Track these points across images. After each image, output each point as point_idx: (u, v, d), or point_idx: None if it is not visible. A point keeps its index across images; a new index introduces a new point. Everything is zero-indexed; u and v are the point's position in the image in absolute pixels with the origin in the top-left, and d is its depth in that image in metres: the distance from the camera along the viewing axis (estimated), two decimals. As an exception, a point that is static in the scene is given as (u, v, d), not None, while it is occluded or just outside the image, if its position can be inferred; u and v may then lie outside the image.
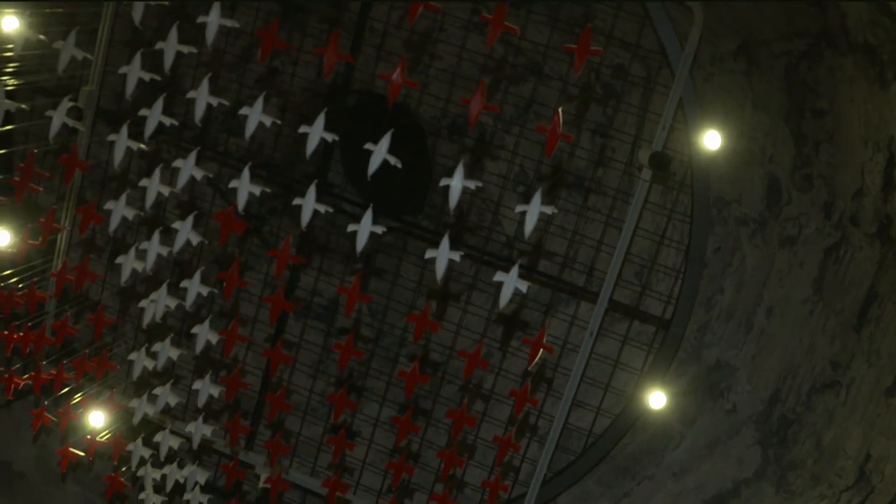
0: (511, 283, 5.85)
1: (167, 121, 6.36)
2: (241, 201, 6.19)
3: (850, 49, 6.88)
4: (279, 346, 6.79)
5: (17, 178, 6.84)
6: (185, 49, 6.24)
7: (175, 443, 7.17)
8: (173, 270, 8.46)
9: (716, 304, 7.82)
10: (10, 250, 7.24)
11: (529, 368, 6.47)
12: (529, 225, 5.71)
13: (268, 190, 6.25)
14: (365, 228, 5.94)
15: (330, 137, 5.96)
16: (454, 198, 5.72)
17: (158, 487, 7.35)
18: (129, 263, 6.74)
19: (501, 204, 8.56)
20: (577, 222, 8.37)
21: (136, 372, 6.99)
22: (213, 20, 6.13)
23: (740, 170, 7.66)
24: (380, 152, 5.73)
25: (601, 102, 8.37)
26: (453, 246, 5.96)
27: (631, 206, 7.25)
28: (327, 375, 8.84)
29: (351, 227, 5.96)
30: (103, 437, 7.32)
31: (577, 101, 8.34)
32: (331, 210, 6.12)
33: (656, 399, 7.45)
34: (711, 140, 7.24)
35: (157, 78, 6.41)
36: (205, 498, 7.31)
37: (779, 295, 7.57)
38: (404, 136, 9.21)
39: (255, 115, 6.09)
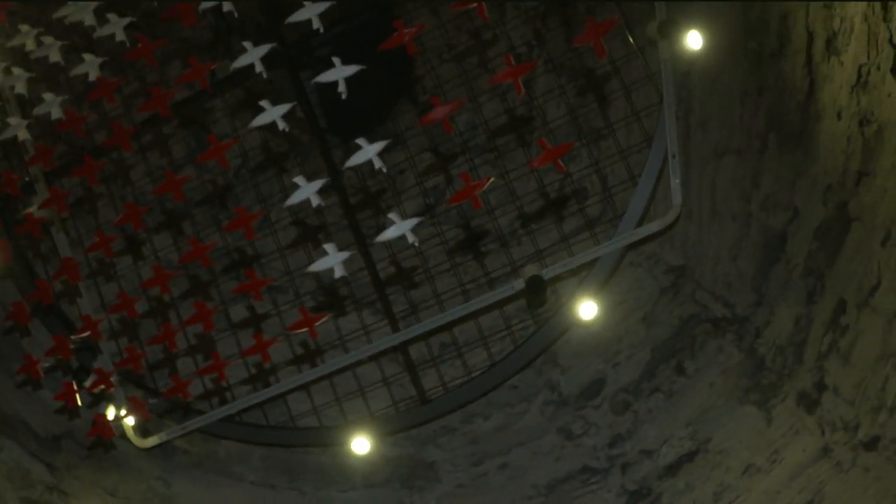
0: (331, 260, 5.56)
1: None
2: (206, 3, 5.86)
3: (748, 350, 6.75)
4: (129, 132, 6.39)
5: None
6: None
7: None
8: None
9: (475, 423, 7.56)
10: None
11: (287, 330, 6.23)
12: (385, 236, 5.43)
13: (235, 14, 5.89)
14: (271, 114, 5.60)
15: (317, 25, 5.61)
16: (355, 161, 5.43)
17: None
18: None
19: (402, 198, 8.28)
20: (440, 265, 8.11)
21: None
22: None
23: (585, 352, 7.46)
24: (335, 72, 5.40)
25: (545, 200, 8.13)
26: (334, 193, 5.67)
27: (485, 295, 7.00)
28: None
29: (262, 103, 5.62)
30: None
31: (532, 183, 8.10)
32: (265, 76, 5.77)
33: (360, 444, 7.16)
34: (586, 311, 7.01)
35: None
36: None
37: (522, 463, 7.34)
38: (393, 76, 8.94)
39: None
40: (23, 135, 6.70)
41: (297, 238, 8.46)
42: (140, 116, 7.83)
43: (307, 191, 5.55)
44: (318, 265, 5.65)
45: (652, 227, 6.87)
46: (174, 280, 7.67)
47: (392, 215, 5.44)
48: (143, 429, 7.43)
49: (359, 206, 8.41)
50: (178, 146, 8.57)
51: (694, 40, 6.63)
